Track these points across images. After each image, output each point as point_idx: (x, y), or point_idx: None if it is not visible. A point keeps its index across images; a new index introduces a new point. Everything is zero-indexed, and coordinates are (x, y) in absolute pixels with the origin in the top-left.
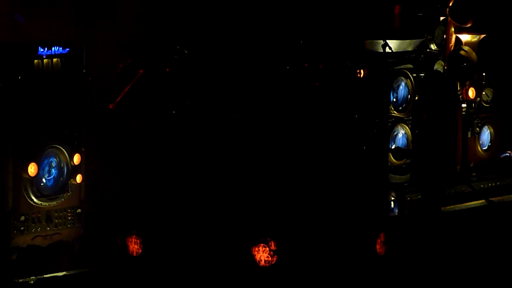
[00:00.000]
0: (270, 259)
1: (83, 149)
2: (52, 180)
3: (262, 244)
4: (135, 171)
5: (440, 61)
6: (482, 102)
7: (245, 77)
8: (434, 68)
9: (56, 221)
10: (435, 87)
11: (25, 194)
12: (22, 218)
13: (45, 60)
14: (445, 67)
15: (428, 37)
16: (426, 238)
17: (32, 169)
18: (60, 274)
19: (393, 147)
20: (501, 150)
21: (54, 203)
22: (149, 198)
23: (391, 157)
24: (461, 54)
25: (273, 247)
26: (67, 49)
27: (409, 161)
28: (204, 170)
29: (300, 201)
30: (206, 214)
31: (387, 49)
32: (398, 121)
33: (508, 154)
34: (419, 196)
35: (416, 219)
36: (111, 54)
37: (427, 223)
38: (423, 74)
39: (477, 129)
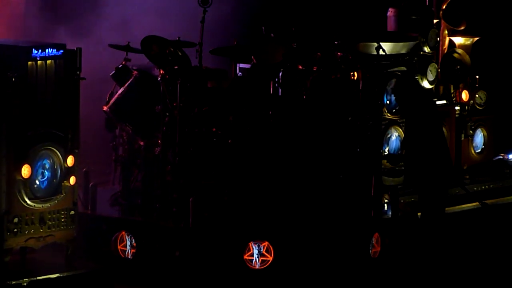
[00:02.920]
0: (263, 261)
1: (76, 151)
2: (45, 182)
3: (255, 246)
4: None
5: (434, 63)
6: (476, 105)
7: (238, 79)
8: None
9: (49, 223)
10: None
11: (18, 196)
12: (15, 220)
13: (39, 62)
14: (439, 70)
15: (422, 39)
16: (429, 241)
17: (25, 170)
18: (54, 276)
19: (386, 149)
20: (494, 153)
21: (48, 205)
22: (140, 196)
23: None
24: (454, 57)
25: (266, 249)
26: (61, 51)
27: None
28: (199, 172)
29: (293, 203)
30: (200, 216)
31: (381, 52)
32: (392, 123)
33: (501, 157)
34: (412, 199)
35: (414, 222)
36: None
37: (430, 226)
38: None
39: (471, 131)
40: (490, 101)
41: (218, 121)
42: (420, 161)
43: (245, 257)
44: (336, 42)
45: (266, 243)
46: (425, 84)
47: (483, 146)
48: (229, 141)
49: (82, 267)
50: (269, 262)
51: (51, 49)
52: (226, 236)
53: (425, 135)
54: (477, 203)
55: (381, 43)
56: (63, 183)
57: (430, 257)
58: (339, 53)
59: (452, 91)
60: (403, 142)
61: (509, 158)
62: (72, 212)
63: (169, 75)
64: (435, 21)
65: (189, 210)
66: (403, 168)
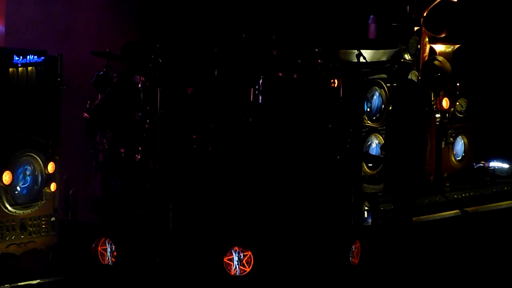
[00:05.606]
0: (243, 268)
1: (57, 158)
2: (26, 188)
3: (235, 253)
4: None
5: (414, 71)
6: (456, 112)
7: (219, 86)
8: (408, 78)
9: (30, 229)
10: (407, 96)
11: None
12: None
13: (20, 69)
14: (419, 77)
15: (402, 47)
16: (398, 248)
17: (6, 177)
18: (34, 282)
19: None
20: (475, 161)
21: (28, 211)
22: (123, 204)
23: (365, 167)
24: (435, 64)
25: (246, 256)
26: (42, 58)
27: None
28: (180, 177)
29: (273, 210)
30: (179, 222)
31: (361, 59)
32: (372, 131)
33: (482, 165)
34: (392, 206)
35: (389, 229)
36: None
37: (398, 233)
38: (395, 84)
39: (451, 139)
40: (470, 108)
41: (198, 128)
42: (396, 164)
43: (225, 264)
44: (316, 50)
45: (249, 252)
46: None
47: (463, 154)
48: (209, 148)
49: (62, 273)
50: (249, 269)
51: (32, 56)
52: (206, 243)
53: (408, 139)
54: (458, 210)
55: (361, 51)
56: (43, 190)
57: (406, 264)
58: (319, 61)
59: (433, 98)
60: (384, 144)
61: (490, 165)
62: (53, 219)
63: (150, 82)
64: (416, 28)
65: (169, 217)
66: (381, 172)
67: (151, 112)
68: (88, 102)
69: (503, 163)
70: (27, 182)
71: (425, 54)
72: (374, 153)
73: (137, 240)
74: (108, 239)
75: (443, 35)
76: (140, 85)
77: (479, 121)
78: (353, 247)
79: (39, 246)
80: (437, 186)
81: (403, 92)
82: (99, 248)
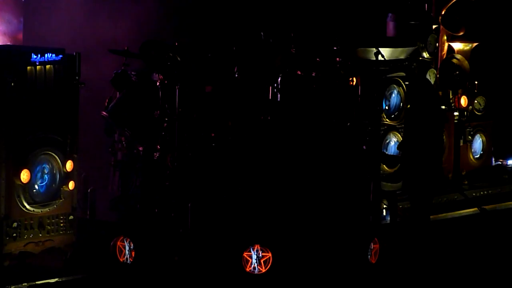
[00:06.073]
0: (260, 268)
1: (75, 156)
2: (44, 187)
3: (254, 251)
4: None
5: (433, 69)
6: (474, 111)
7: (238, 84)
8: (421, 76)
9: (49, 227)
10: (420, 95)
11: (17, 201)
12: (15, 224)
13: (38, 67)
14: (437, 75)
15: (421, 45)
16: (416, 246)
17: (24, 175)
18: (52, 280)
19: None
20: (493, 159)
21: (47, 209)
22: (141, 202)
23: (384, 165)
24: (453, 63)
25: (265, 254)
26: (60, 56)
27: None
28: (199, 175)
29: (293, 208)
30: (198, 221)
31: (380, 57)
32: (390, 129)
33: (500, 163)
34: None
35: (407, 228)
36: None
37: (416, 231)
38: (408, 83)
39: (469, 137)
40: (489, 106)
41: (216, 126)
42: (412, 163)
43: (244, 259)
44: (335, 48)
45: (266, 251)
46: None
47: (481, 152)
48: (228, 146)
49: (81, 272)
50: (268, 267)
51: (50, 54)
52: (225, 241)
53: (424, 138)
54: (476, 208)
55: (380, 49)
56: (62, 188)
57: (424, 262)
58: (338, 59)
59: (451, 96)
60: (401, 143)
61: (508, 163)
62: (71, 217)
63: (168, 81)
64: (434, 26)
65: (187, 215)
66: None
67: (170, 110)
68: (107, 100)
69: None
70: (45, 181)
71: (443, 52)
72: (392, 152)
73: (156, 239)
74: (126, 238)
75: (461, 33)
76: (158, 84)
77: (497, 119)
78: (372, 245)
79: (57, 244)
80: (455, 184)
81: (416, 91)
82: (118, 247)
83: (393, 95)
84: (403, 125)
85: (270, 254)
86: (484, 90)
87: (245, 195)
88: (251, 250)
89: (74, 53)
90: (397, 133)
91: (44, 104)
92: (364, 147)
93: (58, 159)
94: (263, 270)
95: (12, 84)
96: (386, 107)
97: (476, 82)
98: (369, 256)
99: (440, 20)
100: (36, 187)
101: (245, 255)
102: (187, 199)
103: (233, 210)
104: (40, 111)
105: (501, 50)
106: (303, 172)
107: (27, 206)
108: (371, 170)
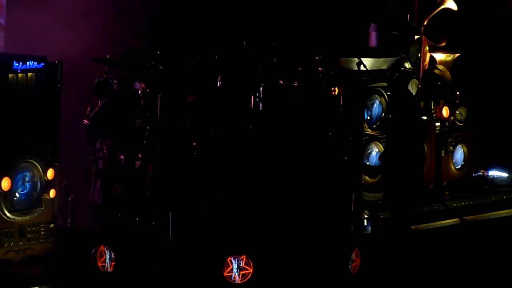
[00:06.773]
0: (243, 275)
1: (57, 164)
2: (25, 195)
3: (234, 260)
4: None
5: (415, 79)
6: (456, 121)
7: (220, 93)
8: (402, 87)
9: (29, 235)
10: (401, 105)
11: None
12: None
13: (19, 75)
14: (419, 86)
15: (403, 55)
16: (397, 256)
17: (5, 183)
18: None
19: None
20: (474, 169)
21: (27, 217)
22: (122, 211)
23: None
24: (435, 73)
25: (245, 263)
26: (42, 64)
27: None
28: (180, 184)
29: (273, 217)
30: (179, 230)
31: (362, 67)
32: (372, 139)
33: (481, 173)
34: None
35: (388, 238)
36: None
37: (397, 242)
38: (389, 93)
39: (451, 148)
40: (470, 117)
41: (198, 136)
42: (394, 174)
43: (225, 266)
44: (317, 57)
45: (244, 256)
46: None
47: (463, 163)
48: (210, 155)
49: (61, 280)
50: (249, 276)
51: (32, 62)
52: (205, 251)
53: (406, 148)
54: (457, 219)
55: (362, 59)
56: (43, 196)
57: (400, 271)
58: (320, 68)
59: (432, 107)
60: (382, 153)
61: (489, 174)
62: (52, 225)
63: (150, 89)
64: (416, 37)
65: (168, 224)
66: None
67: (151, 119)
68: (88, 108)
69: (502, 172)
70: (26, 189)
71: (425, 63)
72: (374, 162)
73: (136, 248)
74: (107, 246)
75: (443, 44)
76: (140, 92)
77: (478, 130)
78: (353, 255)
79: (37, 252)
80: (436, 195)
81: (398, 101)
82: (98, 255)
83: (375, 105)
84: (384, 135)
85: (251, 270)
86: (465, 101)
87: (226, 204)
88: (229, 262)
89: (56, 61)
90: (378, 143)
91: (25, 112)
92: (346, 157)
93: (39, 167)
94: (239, 282)
95: None
96: (368, 117)
97: (458, 93)
98: (349, 267)
99: (422, 31)
100: (17, 195)
101: (228, 260)
102: (168, 208)
103: (214, 219)
104: (21, 119)
105: (483, 61)
106: (285, 181)
107: (8, 214)
108: (352, 180)
